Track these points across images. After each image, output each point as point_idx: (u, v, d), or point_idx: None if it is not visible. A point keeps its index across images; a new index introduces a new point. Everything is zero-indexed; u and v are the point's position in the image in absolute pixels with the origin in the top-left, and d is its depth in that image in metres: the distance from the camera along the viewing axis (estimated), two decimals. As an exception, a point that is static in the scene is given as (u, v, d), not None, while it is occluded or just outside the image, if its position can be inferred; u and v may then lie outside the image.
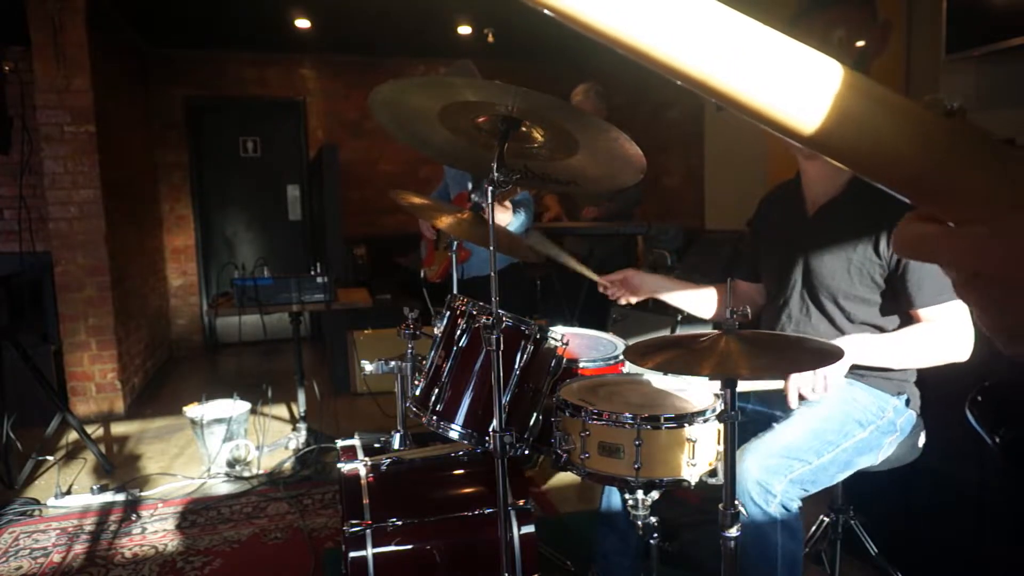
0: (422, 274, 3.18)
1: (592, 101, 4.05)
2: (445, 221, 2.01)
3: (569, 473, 1.65)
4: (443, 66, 3.21)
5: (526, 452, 1.74)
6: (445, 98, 1.48)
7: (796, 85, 0.41)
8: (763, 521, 1.58)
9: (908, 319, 1.74)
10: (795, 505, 1.61)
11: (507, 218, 2.94)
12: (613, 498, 1.96)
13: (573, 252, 4.42)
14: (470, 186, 3.19)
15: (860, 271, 1.73)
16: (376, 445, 2.14)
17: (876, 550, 2.08)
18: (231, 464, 3.41)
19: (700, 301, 2.14)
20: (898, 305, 1.73)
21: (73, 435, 3.68)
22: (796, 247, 1.87)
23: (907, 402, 1.80)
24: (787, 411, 1.80)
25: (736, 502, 1.41)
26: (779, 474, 1.59)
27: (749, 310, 1.49)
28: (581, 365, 1.94)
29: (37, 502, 3.11)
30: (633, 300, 2.14)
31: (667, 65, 0.42)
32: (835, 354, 1.35)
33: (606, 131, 1.50)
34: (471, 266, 3.17)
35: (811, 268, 1.81)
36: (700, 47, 0.40)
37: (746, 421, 1.94)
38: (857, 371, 1.79)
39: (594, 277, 2.16)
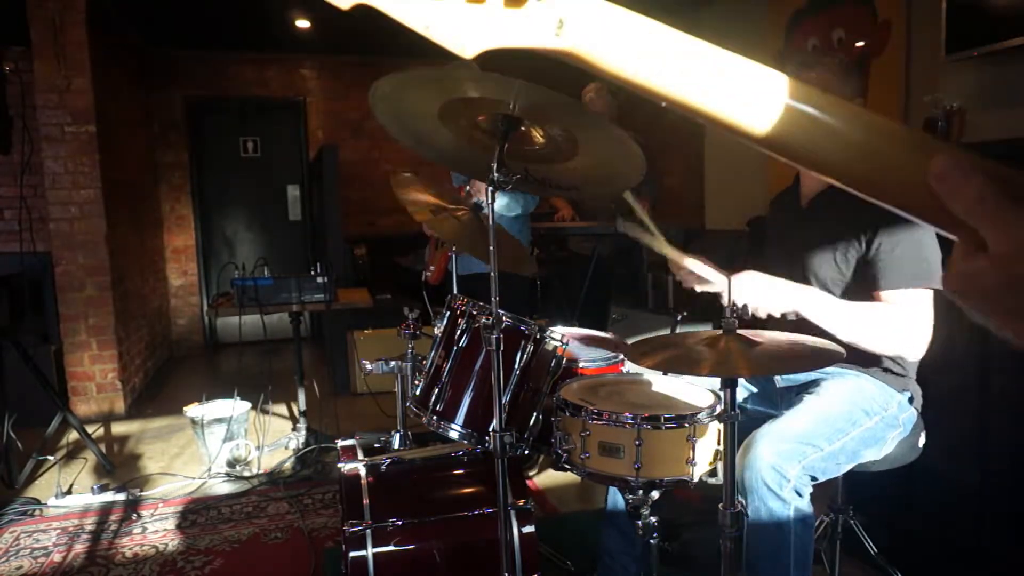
0: (423, 277, 3.18)
1: (603, 99, 4.05)
2: (441, 224, 2.01)
3: (569, 473, 1.65)
4: (443, 66, 3.21)
5: (526, 452, 1.75)
6: (446, 94, 1.48)
7: (744, 95, 0.50)
8: (777, 506, 1.57)
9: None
10: (807, 491, 1.61)
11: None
12: (619, 497, 1.96)
13: (578, 251, 4.42)
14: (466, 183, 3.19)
15: (845, 259, 1.76)
16: (376, 445, 2.14)
17: (876, 550, 2.09)
18: (231, 464, 3.41)
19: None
20: (864, 288, 1.74)
21: (73, 435, 3.68)
22: (793, 241, 1.90)
23: (910, 400, 1.81)
24: (789, 406, 1.80)
25: (736, 501, 1.41)
26: (793, 459, 1.59)
27: (750, 309, 1.49)
28: (581, 365, 1.95)
29: (38, 502, 3.11)
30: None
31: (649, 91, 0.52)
32: (836, 355, 1.35)
33: (606, 130, 1.50)
34: (472, 262, 3.17)
35: (803, 260, 1.84)
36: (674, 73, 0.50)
37: (746, 420, 1.94)
38: (861, 365, 1.79)
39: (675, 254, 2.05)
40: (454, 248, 2.44)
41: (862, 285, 1.74)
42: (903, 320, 1.65)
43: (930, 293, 1.67)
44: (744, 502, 1.59)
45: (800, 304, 1.64)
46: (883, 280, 1.68)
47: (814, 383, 1.84)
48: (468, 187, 3.24)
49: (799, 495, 1.59)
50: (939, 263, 1.66)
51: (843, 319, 1.65)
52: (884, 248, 1.67)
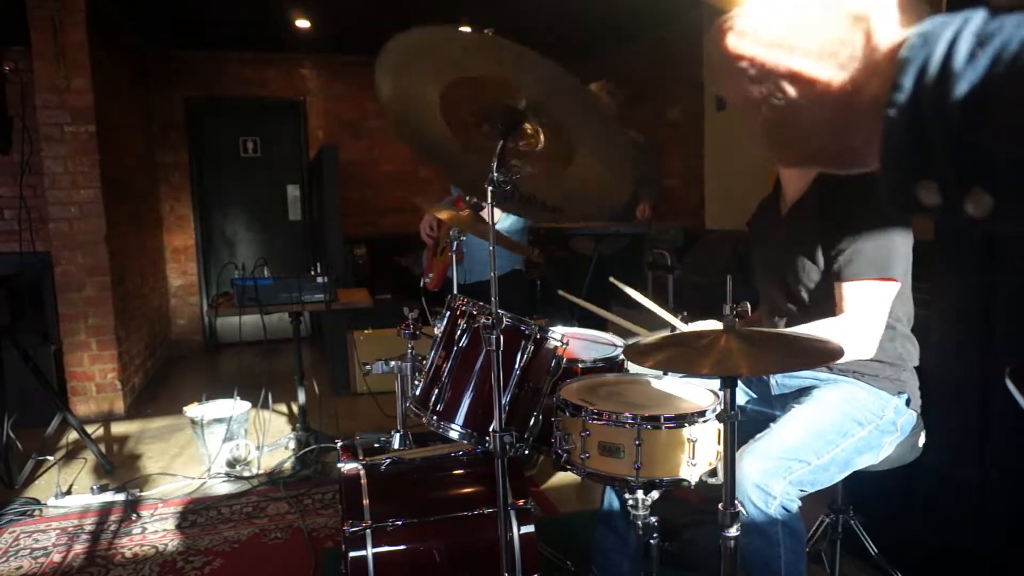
0: (421, 283, 3.18)
1: (604, 99, 4.06)
2: (444, 215, 2.02)
3: (569, 473, 1.65)
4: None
5: (526, 452, 1.75)
6: (452, 71, 1.46)
7: None
8: (764, 524, 1.58)
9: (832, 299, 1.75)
10: (795, 506, 1.61)
11: (496, 214, 2.91)
12: (614, 498, 1.96)
13: (578, 251, 4.42)
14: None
15: (821, 257, 1.75)
16: (376, 445, 2.14)
17: (876, 550, 2.08)
18: (231, 464, 3.41)
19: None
20: (829, 280, 1.74)
21: (73, 435, 3.68)
22: (773, 247, 1.91)
23: (907, 402, 1.80)
24: (785, 410, 1.80)
25: (736, 502, 1.41)
26: (778, 476, 1.59)
27: (749, 307, 1.49)
28: (581, 365, 1.94)
29: (37, 502, 3.11)
30: None
31: None
32: (836, 353, 1.35)
33: (608, 126, 1.49)
34: (472, 271, 3.17)
35: (783, 265, 1.84)
36: None
37: (745, 420, 1.94)
38: (857, 371, 1.79)
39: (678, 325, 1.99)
40: (455, 248, 2.44)
41: (826, 277, 1.74)
42: (856, 324, 1.65)
43: (889, 286, 1.67)
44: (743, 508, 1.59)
45: None
46: (844, 271, 1.67)
47: (807, 390, 1.84)
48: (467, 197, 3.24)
49: (786, 510, 1.59)
50: (902, 258, 1.67)
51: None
52: (849, 238, 1.67)
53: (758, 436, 1.68)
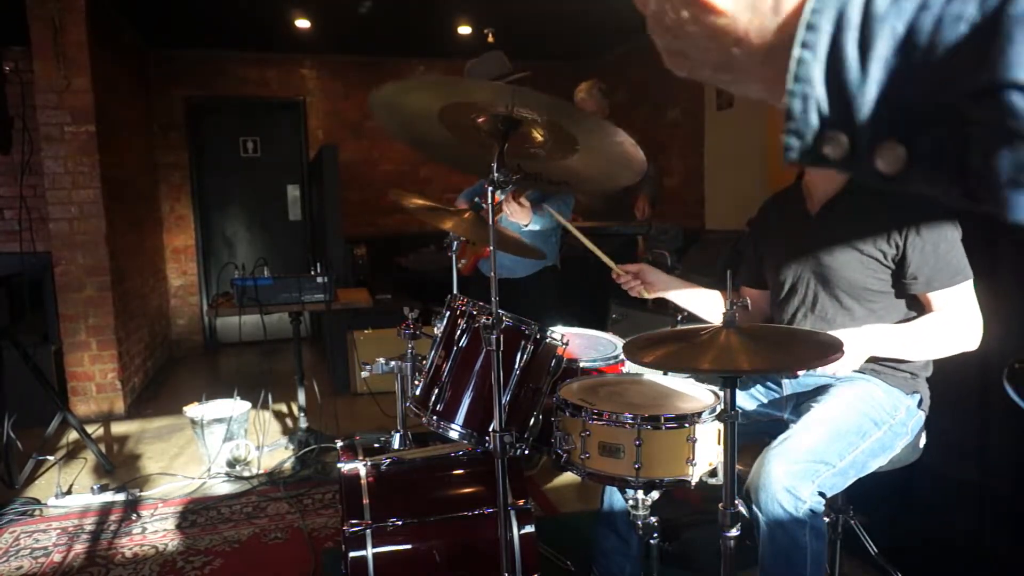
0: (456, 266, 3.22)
1: (595, 99, 4.06)
2: (451, 222, 2.02)
3: (569, 473, 1.65)
4: (443, 66, 3.21)
5: (526, 452, 1.75)
6: (445, 98, 1.48)
7: None
8: (792, 527, 1.57)
9: (917, 305, 1.75)
10: (821, 508, 1.61)
11: (526, 217, 2.89)
12: (615, 498, 1.96)
13: (578, 250, 4.42)
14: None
15: (872, 260, 1.74)
16: (376, 445, 2.14)
17: (876, 550, 2.08)
18: (231, 464, 3.41)
19: (711, 305, 2.11)
20: (904, 292, 1.74)
21: (73, 435, 3.68)
22: (803, 248, 1.86)
23: (919, 403, 1.80)
24: (793, 414, 1.79)
25: (736, 502, 1.41)
26: (806, 479, 1.58)
27: (749, 302, 1.49)
28: (581, 365, 1.94)
29: (37, 502, 3.11)
30: (647, 294, 2.09)
31: None
32: (836, 347, 1.35)
33: (606, 131, 1.50)
34: (501, 268, 3.18)
35: (824, 265, 1.80)
36: None
37: (754, 423, 1.94)
38: (875, 368, 1.79)
39: (610, 264, 2.12)
40: (455, 248, 2.43)
41: (901, 288, 1.74)
42: (959, 319, 1.68)
43: (970, 282, 1.69)
44: (756, 508, 1.58)
45: (869, 348, 1.67)
46: (932, 283, 1.68)
47: (822, 389, 1.83)
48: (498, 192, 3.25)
49: (814, 512, 1.58)
50: (964, 253, 1.70)
51: (909, 344, 1.70)
52: (921, 249, 1.67)
53: (782, 437, 1.66)
